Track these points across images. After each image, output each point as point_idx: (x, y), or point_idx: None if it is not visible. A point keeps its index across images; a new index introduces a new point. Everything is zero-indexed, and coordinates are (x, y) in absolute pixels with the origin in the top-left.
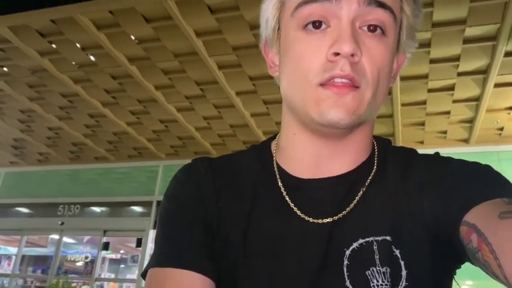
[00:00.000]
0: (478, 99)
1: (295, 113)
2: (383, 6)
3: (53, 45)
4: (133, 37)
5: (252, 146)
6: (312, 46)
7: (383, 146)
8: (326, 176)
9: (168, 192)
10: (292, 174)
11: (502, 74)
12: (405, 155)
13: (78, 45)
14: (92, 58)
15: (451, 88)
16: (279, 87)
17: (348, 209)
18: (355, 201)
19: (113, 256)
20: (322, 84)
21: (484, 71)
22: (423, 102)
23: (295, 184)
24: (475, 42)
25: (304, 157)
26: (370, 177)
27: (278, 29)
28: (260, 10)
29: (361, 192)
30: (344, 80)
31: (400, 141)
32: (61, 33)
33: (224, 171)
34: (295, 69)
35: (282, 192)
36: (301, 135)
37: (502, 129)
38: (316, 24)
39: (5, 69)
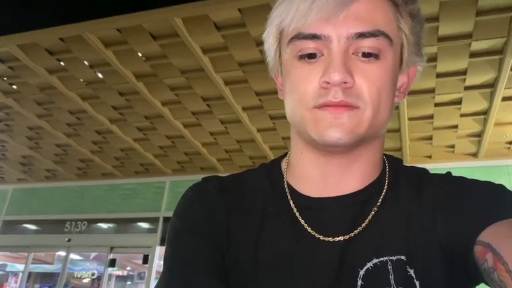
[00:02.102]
0: (485, 113)
1: (299, 133)
2: (374, 35)
3: (62, 63)
4: (140, 54)
5: (261, 165)
6: (306, 73)
7: (394, 165)
8: (336, 195)
9: (177, 211)
10: (303, 193)
11: (509, 88)
12: (417, 175)
13: (86, 62)
14: (99, 75)
15: (458, 102)
16: None
17: (360, 228)
18: (367, 221)
19: (120, 273)
20: (318, 107)
21: (491, 85)
22: (431, 117)
23: (306, 203)
24: (482, 56)
25: (314, 175)
26: (382, 197)
27: (280, 56)
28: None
29: (373, 212)
30: (339, 103)
31: (408, 156)
32: (69, 51)
33: (234, 191)
34: (293, 93)
35: (293, 210)
36: (308, 154)
37: (510, 143)
38: (310, 55)
39: (14, 86)
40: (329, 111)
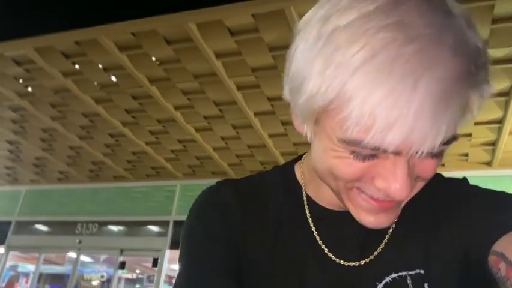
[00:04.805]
0: (500, 121)
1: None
2: (446, 143)
3: (76, 66)
4: (154, 58)
5: (274, 168)
6: (354, 165)
7: None
8: None
9: (193, 213)
10: (319, 203)
11: None
12: (433, 182)
13: (100, 66)
14: (113, 79)
15: None
16: None
17: (379, 249)
18: (388, 237)
19: (129, 276)
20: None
21: (507, 93)
22: None
23: (322, 214)
24: (497, 64)
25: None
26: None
27: (316, 122)
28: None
29: (391, 230)
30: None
31: None
32: (84, 55)
33: (249, 196)
34: (328, 172)
35: (309, 222)
36: None
37: None
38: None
39: (29, 89)
40: (373, 204)
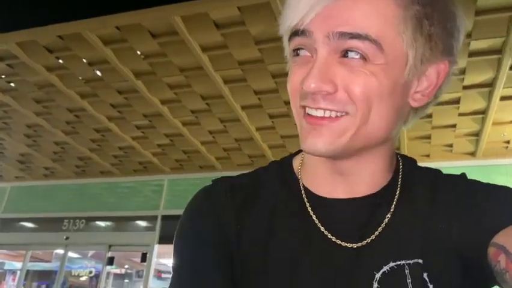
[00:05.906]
0: (484, 112)
1: None
2: (358, 37)
3: (60, 61)
4: (139, 52)
5: (272, 163)
6: (294, 72)
7: (408, 166)
8: (347, 197)
9: (188, 214)
10: (316, 192)
11: (507, 87)
12: (432, 177)
13: (85, 60)
14: (98, 73)
15: (457, 101)
16: (284, 102)
17: (376, 233)
18: (383, 225)
19: (118, 271)
20: (304, 108)
21: (490, 84)
22: (429, 116)
23: (319, 203)
24: (480, 55)
25: (325, 173)
26: (395, 201)
27: None
28: None
29: (388, 216)
30: (318, 114)
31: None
32: (68, 49)
33: (245, 193)
34: (290, 99)
35: (308, 209)
36: None
37: (508, 142)
38: (298, 52)
39: (12, 84)
40: (308, 121)
